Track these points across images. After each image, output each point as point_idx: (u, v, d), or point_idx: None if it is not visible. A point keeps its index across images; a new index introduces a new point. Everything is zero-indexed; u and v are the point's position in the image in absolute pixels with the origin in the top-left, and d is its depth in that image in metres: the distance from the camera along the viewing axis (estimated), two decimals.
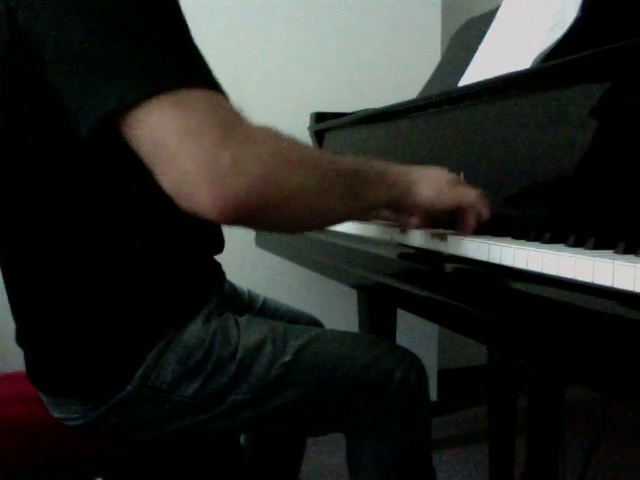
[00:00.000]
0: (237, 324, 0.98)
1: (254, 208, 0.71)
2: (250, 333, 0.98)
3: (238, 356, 0.95)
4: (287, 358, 0.97)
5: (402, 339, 1.72)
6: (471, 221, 0.94)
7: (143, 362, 0.91)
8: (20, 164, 0.87)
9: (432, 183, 0.92)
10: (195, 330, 0.94)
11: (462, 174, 1.06)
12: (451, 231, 0.98)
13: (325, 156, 0.85)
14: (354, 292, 2.01)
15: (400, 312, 1.96)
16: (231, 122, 0.72)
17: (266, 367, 0.96)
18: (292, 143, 0.78)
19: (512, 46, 1.21)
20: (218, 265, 1.07)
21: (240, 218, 0.72)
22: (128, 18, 0.72)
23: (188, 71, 0.74)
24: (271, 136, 0.76)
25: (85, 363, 0.92)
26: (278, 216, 0.76)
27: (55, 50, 0.73)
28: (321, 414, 1.03)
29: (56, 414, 1.00)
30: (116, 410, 0.94)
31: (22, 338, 1.00)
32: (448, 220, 1.00)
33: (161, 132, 0.70)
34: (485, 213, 0.95)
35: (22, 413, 1.04)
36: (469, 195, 0.95)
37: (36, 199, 0.88)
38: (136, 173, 0.77)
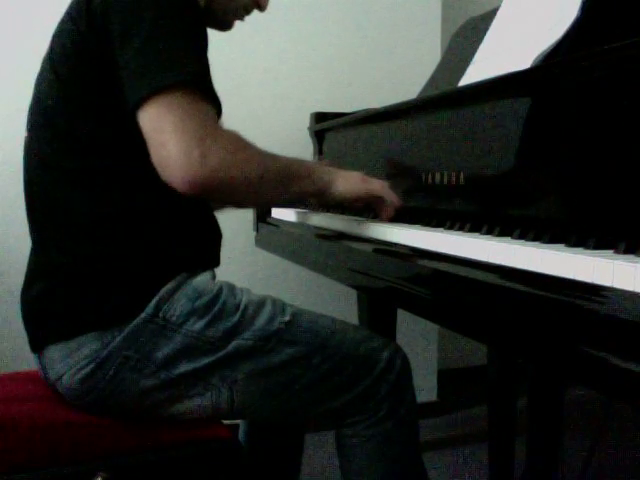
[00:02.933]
0: (241, 289, 1.13)
1: (211, 189, 0.99)
2: (252, 295, 1.12)
3: (242, 307, 1.08)
4: (287, 318, 1.10)
5: (402, 339, 1.72)
6: (381, 209, 1.23)
7: (157, 294, 1.04)
8: (80, 113, 1.05)
9: (345, 179, 1.19)
10: (204, 281, 1.09)
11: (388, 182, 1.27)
12: (370, 219, 1.29)
13: (269, 156, 1.08)
14: (354, 292, 2.01)
15: (400, 312, 1.96)
16: (208, 128, 0.99)
17: (267, 320, 1.08)
18: (245, 147, 1.05)
19: (512, 46, 1.21)
20: (219, 244, 1.20)
21: (200, 194, 0.99)
22: (179, 28, 1.00)
23: (195, 77, 1.00)
24: (232, 141, 1.02)
25: (106, 289, 1.03)
26: (227, 196, 1.07)
27: (124, 37, 0.98)
28: (314, 385, 1.10)
29: (64, 375, 1.03)
30: (129, 342, 1.02)
31: (43, 275, 1.08)
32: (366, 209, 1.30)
33: (162, 122, 0.97)
34: (393, 201, 1.22)
35: (24, 412, 1.04)
36: (375, 188, 1.21)
37: (87, 148, 1.04)
38: None
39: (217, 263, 1.18)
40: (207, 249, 1.16)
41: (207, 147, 0.97)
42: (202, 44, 1.04)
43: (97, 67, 1.02)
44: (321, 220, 1.48)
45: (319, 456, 2.09)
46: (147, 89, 0.97)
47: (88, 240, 1.05)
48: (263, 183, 1.07)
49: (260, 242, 2.00)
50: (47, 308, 1.07)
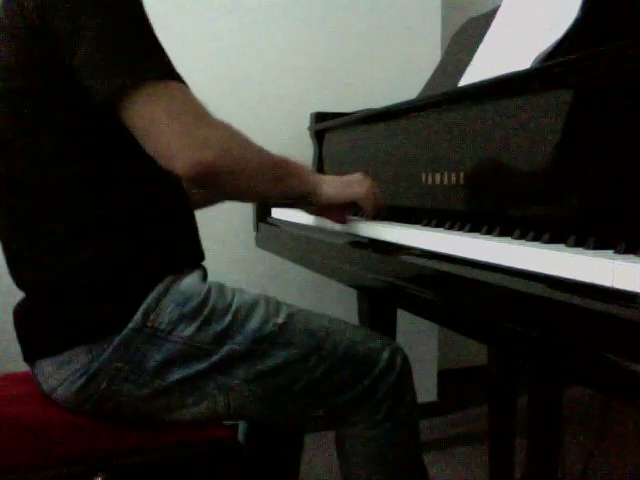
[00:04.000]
0: (232, 289, 1.10)
1: (213, 173, 0.98)
2: (244, 295, 1.09)
3: (233, 309, 1.05)
4: (280, 320, 1.07)
5: (402, 339, 1.72)
6: (368, 210, 1.24)
7: (144, 302, 1.01)
8: (36, 126, 1.00)
9: (332, 183, 1.19)
10: (191, 283, 1.05)
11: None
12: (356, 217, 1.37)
13: (263, 149, 1.07)
14: (354, 292, 2.01)
15: (400, 312, 1.96)
16: (201, 109, 0.99)
17: (260, 323, 1.06)
18: (239, 132, 1.04)
19: (512, 46, 1.21)
20: (198, 238, 1.17)
21: (202, 178, 0.98)
22: (131, 22, 0.97)
23: (170, 67, 0.99)
24: (226, 125, 1.02)
25: (91, 302, 1.01)
26: (227, 182, 1.04)
27: (76, 37, 0.93)
28: (312, 387, 1.08)
29: (58, 388, 1.02)
30: (119, 353, 1.00)
31: (27, 291, 1.06)
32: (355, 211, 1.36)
33: (155, 112, 0.95)
34: (373, 204, 1.23)
35: (23, 412, 1.04)
36: (359, 192, 1.21)
37: (55, 155, 1.00)
38: (136, 148, 0.98)
39: (202, 257, 1.15)
40: (188, 246, 1.13)
41: (207, 130, 0.97)
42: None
43: (42, 67, 0.96)
44: (321, 220, 1.47)
45: (319, 456, 2.09)
46: (129, 81, 0.94)
47: (64, 254, 1.01)
48: (259, 173, 1.07)
49: (260, 242, 2.00)
50: (34, 323, 1.05)
